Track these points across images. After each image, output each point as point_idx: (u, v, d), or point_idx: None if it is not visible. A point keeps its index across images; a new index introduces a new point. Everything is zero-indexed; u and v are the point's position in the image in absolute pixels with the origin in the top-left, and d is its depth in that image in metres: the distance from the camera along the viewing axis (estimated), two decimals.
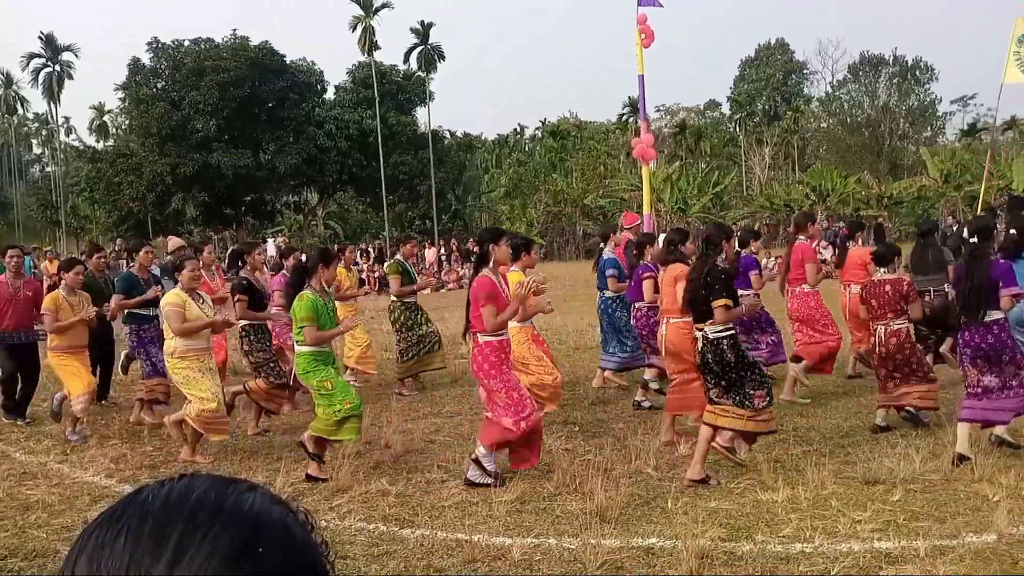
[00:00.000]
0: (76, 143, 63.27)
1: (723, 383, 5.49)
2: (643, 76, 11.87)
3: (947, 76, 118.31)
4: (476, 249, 5.69)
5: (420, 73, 51.94)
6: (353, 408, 5.85)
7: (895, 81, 60.44)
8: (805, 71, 75.68)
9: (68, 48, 55.91)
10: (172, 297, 6.46)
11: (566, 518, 4.97)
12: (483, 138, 70.83)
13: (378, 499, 5.43)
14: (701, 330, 5.54)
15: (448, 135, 56.55)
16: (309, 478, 5.85)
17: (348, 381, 6.92)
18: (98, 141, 62.85)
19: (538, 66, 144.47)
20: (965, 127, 65.91)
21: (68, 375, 7.26)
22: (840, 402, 7.77)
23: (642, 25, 11.52)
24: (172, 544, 0.63)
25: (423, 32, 52.90)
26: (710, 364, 5.54)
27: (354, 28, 50.89)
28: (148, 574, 0.62)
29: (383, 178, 44.84)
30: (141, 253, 8.59)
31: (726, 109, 77.76)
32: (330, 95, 47.87)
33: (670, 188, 42.98)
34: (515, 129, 74.60)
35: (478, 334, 5.63)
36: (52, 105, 56.81)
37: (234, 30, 43.36)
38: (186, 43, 42.98)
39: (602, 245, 8.87)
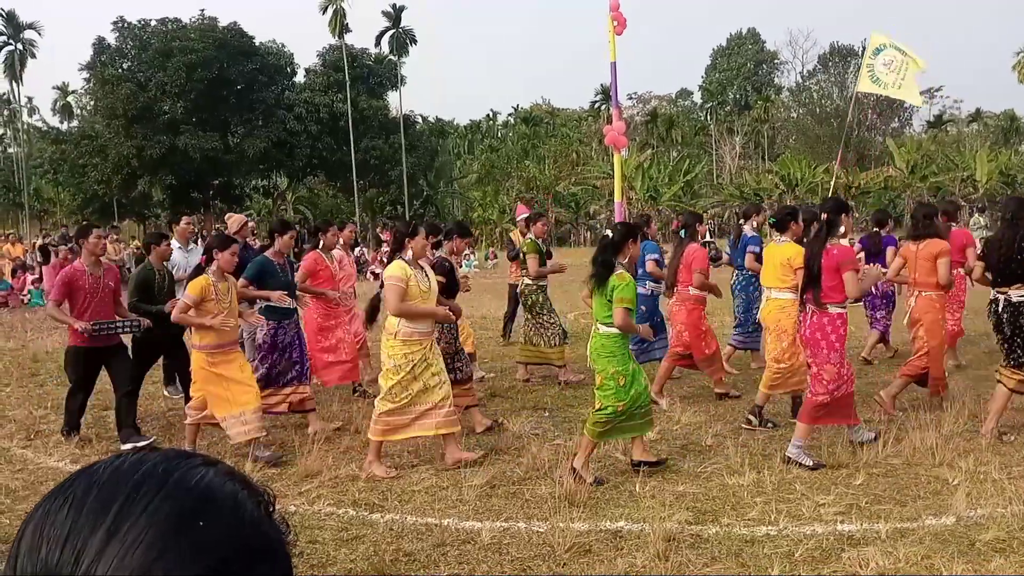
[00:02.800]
0: (39, 124, 62.03)
1: (1006, 345, 6.04)
2: (615, 63, 11.85)
3: None
4: (824, 218, 5.69)
5: (392, 57, 51.56)
6: (634, 404, 5.35)
7: None
8: (776, 61, 76.27)
9: (31, 26, 54.61)
10: (396, 270, 5.53)
11: (535, 502, 5.01)
12: (455, 123, 70.57)
13: (348, 484, 5.43)
14: (1004, 293, 5.99)
15: (420, 120, 56.25)
16: (640, 465, 5.42)
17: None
18: (62, 122, 61.68)
19: (511, 52, 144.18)
20: (931, 119, 66.91)
21: (221, 389, 5.88)
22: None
23: (615, 12, 11.50)
24: (112, 514, 0.62)
25: (395, 15, 52.48)
26: (1003, 326, 6.03)
27: (325, 10, 50.34)
28: (87, 542, 0.61)
29: (354, 163, 44.51)
30: (285, 237, 7.02)
31: (698, 98, 78.22)
32: (300, 78, 47.36)
33: (641, 176, 43.22)
34: (487, 115, 74.42)
35: (828, 305, 5.54)
36: (14, 85, 55.44)
37: (202, 10, 42.64)
38: (152, 23, 42.24)
39: (742, 222, 8.79)
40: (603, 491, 5.18)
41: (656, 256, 8.08)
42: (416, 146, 48.99)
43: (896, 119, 62.57)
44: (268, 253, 6.95)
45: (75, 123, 55.45)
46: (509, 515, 4.82)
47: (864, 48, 11.96)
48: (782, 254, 6.55)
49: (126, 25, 42.12)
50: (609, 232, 5.58)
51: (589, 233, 49.90)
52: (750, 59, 74.81)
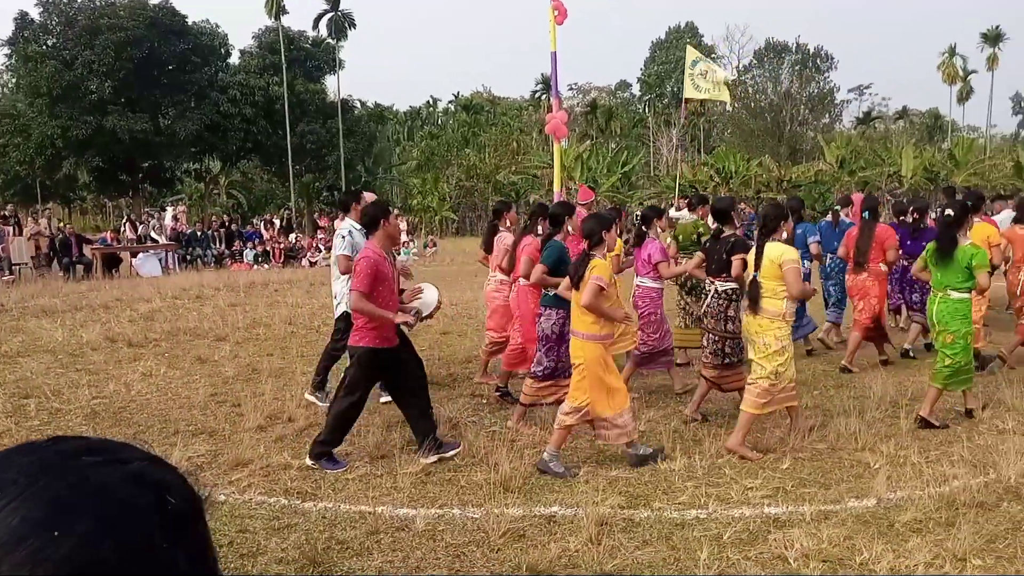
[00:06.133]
0: None
1: None
2: (556, 53, 11.86)
3: (845, 65, 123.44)
4: None
5: (330, 40, 50.67)
6: (965, 366, 6.22)
7: (797, 68, 62.56)
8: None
9: None
10: (794, 253, 5.61)
11: (471, 488, 5.02)
12: (395, 109, 69.82)
13: (280, 472, 5.35)
14: None
15: (358, 105, 55.44)
16: (926, 424, 6.12)
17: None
18: None
19: (452, 39, 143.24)
20: (860, 115, 68.91)
21: (613, 382, 5.40)
22: None
23: (555, 1, 11.50)
24: None
25: None
26: None
27: None
28: None
29: (289, 147, 43.67)
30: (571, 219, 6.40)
31: (637, 90, 78.91)
32: (235, 60, 46.16)
33: (581, 166, 43.46)
34: (427, 102, 73.83)
35: None
36: None
37: None
38: None
39: (838, 208, 9.61)
40: (538, 477, 5.21)
41: (817, 238, 9.06)
42: (354, 131, 48.26)
43: (827, 115, 64.18)
44: (559, 238, 6.39)
45: None
46: (444, 502, 4.82)
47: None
48: (980, 234, 7.45)
49: (51, 0, 40.44)
50: (949, 211, 6.29)
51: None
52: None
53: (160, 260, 21.87)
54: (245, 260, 24.33)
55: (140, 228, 24.13)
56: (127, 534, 0.59)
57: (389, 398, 6.60)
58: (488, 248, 8.00)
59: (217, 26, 44.24)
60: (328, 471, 5.36)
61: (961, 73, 67.07)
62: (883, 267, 8.23)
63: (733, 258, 6.21)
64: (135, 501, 0.60)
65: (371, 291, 5.37)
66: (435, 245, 31.07)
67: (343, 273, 6.72)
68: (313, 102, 45.68)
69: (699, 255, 6.73)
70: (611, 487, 4.99)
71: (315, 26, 51.95)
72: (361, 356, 5.50)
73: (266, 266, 23.96)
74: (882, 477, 4.97)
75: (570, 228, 6.50)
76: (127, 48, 37.39)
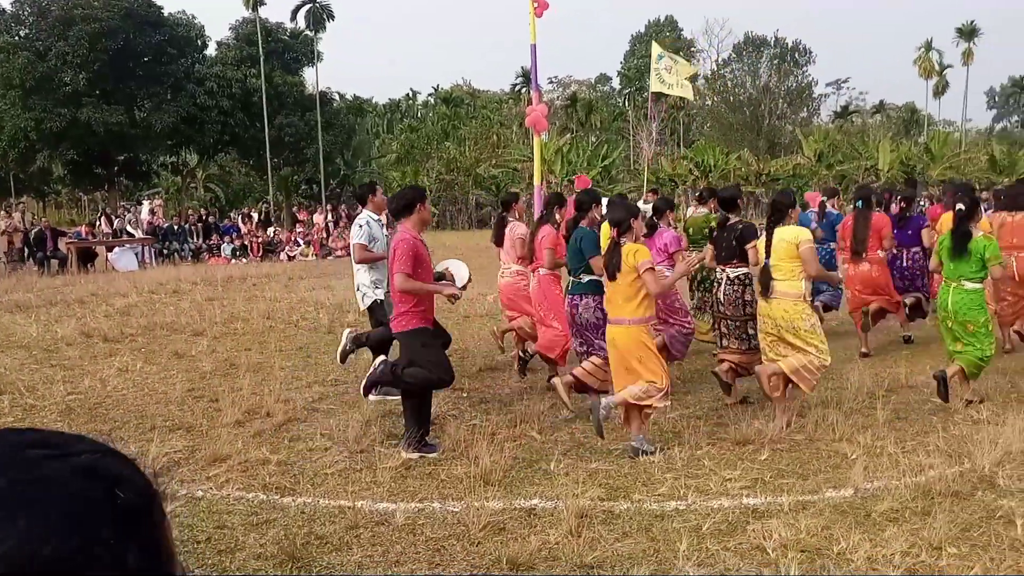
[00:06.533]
0: None
1: None
2: (535, 45, 11.84)
3: (823, 59, 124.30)
4: None
5: (308, 32, 50.25)
6: (990, 355, 6.41)
7: (775, 62, 62.84)
8: (692, 49, 77.54)
9: None
10: (808, 233, 6.08)
11: (451, 482, 5.00)
12: (374, 102, 69.44)
13: (258, 468, 5.31)
14: None
15: (337, 97, 55.09)
16: (943, 386, 6.23)
17: None
18: None
19: (431, 31, 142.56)
20: (838, 109, 69.40)
21: (658, 361, 5.54)
22: None
23: None
24: None
25: None
26: None
27: None
28: None
29: (267, 140, 43.31)
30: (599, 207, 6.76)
31: (617, 83, 78.96)
32: (212, 51, 45.66)
33: (561, 160, 43.42)
34: (407, 94, 73.49)
35: None
36: None
37: None
38: None
39: (824, 199, 10.06)
40: (518, 470, 5.21)
41: (814, 225, 9.02)
42: (333, 124, 47.92)
43: (805, 109, 64.53)
44: (584, 224, 6.52)
45: None
46: (424, 495, 4.81)
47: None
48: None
49: None
50: (961, 206, 6.41)
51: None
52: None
53: (136, 254, 21.65)
54: (223, 254, 24.13)
55: (116, 222, 23.87)
56: (74, 529, 0.56)
57: (377, 396, 6.60)
58: (499, 241, 7.96)
59: (193, 17, 43.73)
60: (428, 455, 5.47)
61: (937, 68, 67.66)
62: (881, 254, 8.38)
63: (747, 247, 6.38)
64: (84, 495, 0.58)
65: (413, 272, 5.46)
66: None
67: (359, 262, 6.90)
68: (291, 94, 45.31)
69: (709, 248, 6.87)
70: (591, 479, 5.00)
71: (293, 18, 51.45)
72: (415, 336, 5.55)
73: (244, 260, 23.79)
74: (859, 467, 5.00)
75: (597, 216, 6.69)
76: (102, 39, 36.90)
